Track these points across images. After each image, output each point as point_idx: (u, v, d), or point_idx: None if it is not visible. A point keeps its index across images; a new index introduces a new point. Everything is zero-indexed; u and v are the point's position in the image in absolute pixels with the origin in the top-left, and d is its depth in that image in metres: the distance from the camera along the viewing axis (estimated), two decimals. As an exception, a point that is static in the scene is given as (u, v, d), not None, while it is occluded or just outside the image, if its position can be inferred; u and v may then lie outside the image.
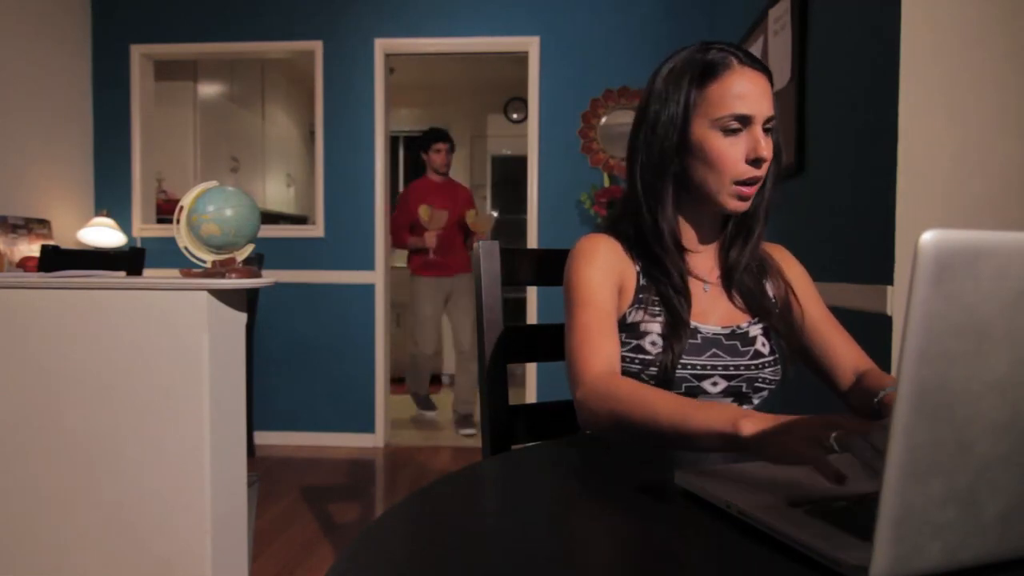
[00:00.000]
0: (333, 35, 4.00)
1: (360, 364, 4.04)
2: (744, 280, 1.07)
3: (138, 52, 4.05)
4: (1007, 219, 1.48)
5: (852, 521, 0.54)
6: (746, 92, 0.95)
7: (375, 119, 4.02)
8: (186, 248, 1.79)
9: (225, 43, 4.04)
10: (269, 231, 3.90)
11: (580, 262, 1.02)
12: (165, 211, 4.36)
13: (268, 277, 1.83)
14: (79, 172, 4.01)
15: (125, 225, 4.03)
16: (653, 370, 0.98)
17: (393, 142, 6.58)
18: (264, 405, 4.01)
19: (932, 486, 0.44)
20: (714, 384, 1.00)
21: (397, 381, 4.90)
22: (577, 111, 3.90)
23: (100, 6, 4.05)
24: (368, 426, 4.05)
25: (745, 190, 0.98)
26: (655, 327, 1.00)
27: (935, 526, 0.44)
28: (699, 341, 1.00)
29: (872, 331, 1.57)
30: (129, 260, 2.25)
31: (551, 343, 1.24)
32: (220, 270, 1.76)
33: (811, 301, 1.10)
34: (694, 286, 1.05)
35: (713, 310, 1.05)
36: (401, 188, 6.19)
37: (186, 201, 1.75)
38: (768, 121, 0.97)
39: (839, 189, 1.89)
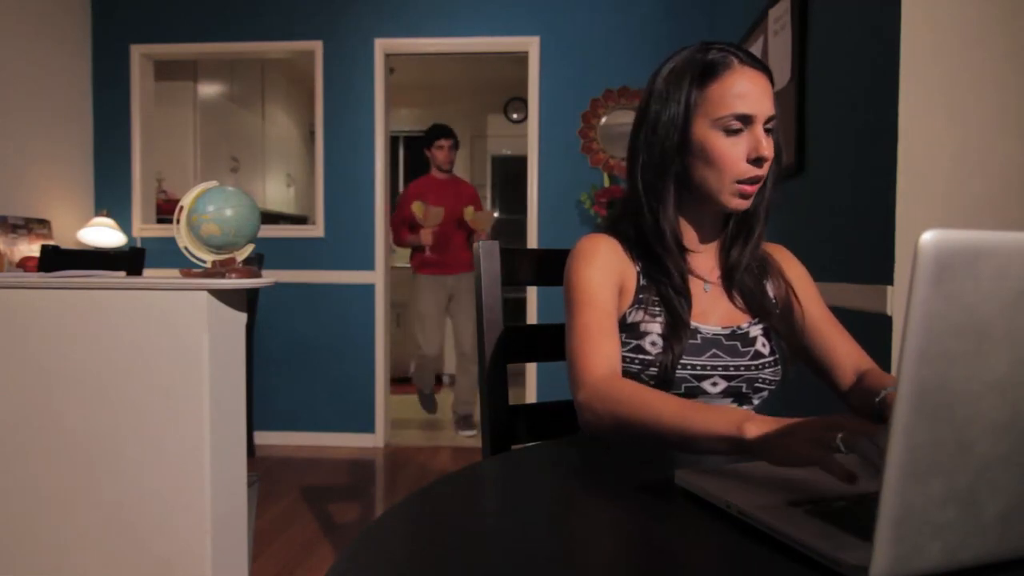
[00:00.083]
0: (333, 35, 4.00)
1: (360, 364, 4.05)
2: (745, 280, 1.07)
3: (138, 52, 4.06)
4: (1007, 219, 1.48)
5: (852, 521, 0.54)
6: (747, 91, 0.95)
7: (375, 119, 4.02)
8: (186, 248, 1.79)
9: (225, 43, 4.04)
10: (269, 231, 3.90)
11: (580, 262, 1.02)
12: (165, 211, 4.36)
13: (268, 277, 1.83)
14: (79, 172, 4.01)
15: (125, 225, 4.03)
16: (653, 370, 0.98)
17: (393, 142, 6.58)
18: (264, 405, 4.01)
19: (932, 486, 0.44)
20: (714, 384, 1.00)
21: (397, 381, 4.90)
22: (577, 111, 3.90)
23: (100, 6, 4.05)
24: (368, 426, 4.05)
25: (747, 188, 0.98)
26: (655, 327, 1.00)
27: (935, 526, 0.44)
28: (699, 341, 1.00)
29: (872, 331, 1.57)
30: (129, 260, 2.25)
31: (551, 343, 1.24)
32: (220, 270, 1.76)
33: (812, 301, 1.10)
34: (694, 286, 1.05)
35: (713, 310, 1.05)
36: (401, 188, 6.19)
37: (186, 201, 1.75)
38: (769, 120, 0.97)
39: (839, 189, 1.89)
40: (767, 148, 0.96)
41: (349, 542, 1.20)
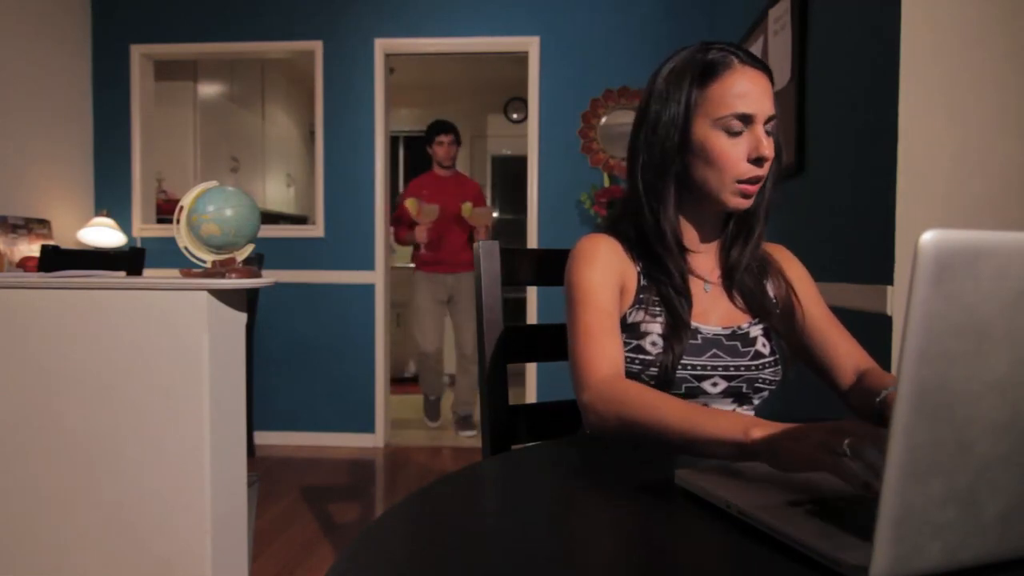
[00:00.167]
0: (333, 35, 4.00)
1: (360, 364, 4.04)
2: (745, 280, 1.07)
3: (138, 52, 4.06)
4: (1007, 219, 1.48)
5: (852, 521, 0.54)
6: (747, 91, 0.95)
7: (375, 119, 4.02)
8: (186, 248, 1.79)
9: (225, 43, 4.04)
10: (269, 231, 3.90)
11: (581, 263, 1.02)
12: (165, 211, 4.36)
13: (268, 277, 1.83)
14: (79, 172, 4.01)
15: (125, 225, 4.03)
16: (653, 370, 0.98)
17: (393, 142, 6.58)
18: (264, 405, 4.01)
19: (932, 486, 0.44)
20: (714, 384, 1.00)
21: (397, 381, 4.89)
22: (577, 111, 3.90)
23: (100, 6, 4.05)
24: (368, 426, 4.05)
25: (748, 188, 0.98)
26: (655, 327, 1.00)
27: (935, 526, 0.44)
28: (699, 341, 1.00)
29: (872, 331, 1.57)
30: (129, 260, 2.25)
31: (551, 343, 1.24)
32: (220, 270, 1.76)
33: (812, 301, 1.10)
34: (695, 286, 1.05)
35: (714, 310, 1.05)
36: (401, 188, 6.19)
37: (186, 201, 1.75)
38: (769, 120, 0.97)
39: (839, 189, 1.89)
40: (767, 148, 0.96)
41: (349, 542, 1.20)
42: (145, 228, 4.09)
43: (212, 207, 1.72)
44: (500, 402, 1.17)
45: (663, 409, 0.80)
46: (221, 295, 1.76)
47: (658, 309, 1.01)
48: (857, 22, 1.78)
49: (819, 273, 1.30)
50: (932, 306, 0.41)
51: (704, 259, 1.08)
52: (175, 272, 1.85)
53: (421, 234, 4.09)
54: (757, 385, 1.02)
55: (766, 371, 1.02)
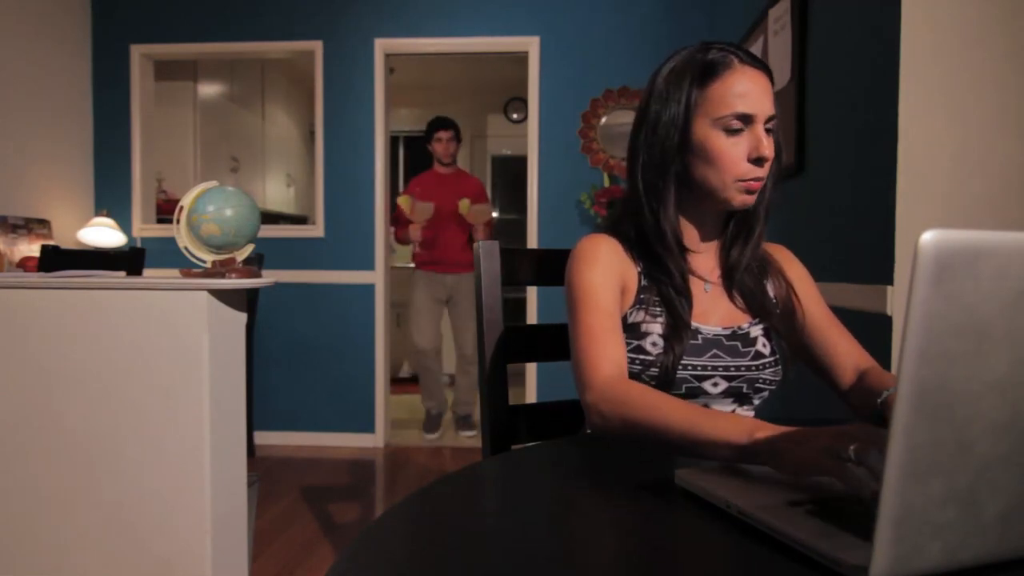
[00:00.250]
0: (333, 35, 4.00)
1: (360, 364, 4.05)
2: (745, 280, 1.07)
3: (138, 52, 4.06)
4: (1007, 219, 1.48)
5: (852, 521, 0.54)
6: (747, 91, 0.95)
7: (375, 119, 4.03)
8: (186, 248, 1.79)
9: (225, 43, 4.04)
10: (269, 231, 3.90)
11: (582, 264, 1.02)
12: (165, 211, 4.36)
13: (268, 277, 1.83)
14: (79, 172, 4.01)
15: (125, 225, 4.03)
16: (654, 371, 0.98)
17: (393, 142, 6.59)
18: (264, 405, 4.01)
19: (932, 486, 0.44)
20: (715, 385, 1.00)
21: (397, 381, 4.89)
22: (577, 111, 3.90)
23: (100, 6, 4.06)
24: (368, 426, 4.05)
25: (751, 184, 0.98)
26: (656, 328, 1.00)
27: (935, 526, 0.44)
28: (700, 342, 1.00)
29: (872, 331, 1.57)
30: (129, 260, 2.25)
31: (551, 343, 1.24)
32: (220, 270, 1.76)
33: (812, 300, 1.10)
34: (695, 286, 1.05)
35: (714, 310, 1.05)
36: (401, 188, 6.18)
37: (186, 201, 1.75)
38: (769, 120, 0.98)
39: (839, 189, 1.89)
40: (768, 148, 0.96)
41: (349, 542, 1.20)
42: (145, 228, 4.10)
43: (212, 207, 1.72)
44: (500, 402, 1.17)
45: (666, 410, 0.80)
46: (221, 295, 1.76)
47: (658, 309, 1.01)
48: (857, 22, 1.78)
49: (819, 273, 1.30)
50: (932, 306, 0.41)
51: (704, 259, 1.08)
52: (175, 272, 1.85)
53: (415, 232, 4.03)
54: (757, 385, 1.02)
55: (766, 371, 1.02)
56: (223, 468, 1.78)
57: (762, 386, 1.03)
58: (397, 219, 4.17)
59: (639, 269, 1.05)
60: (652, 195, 1.03)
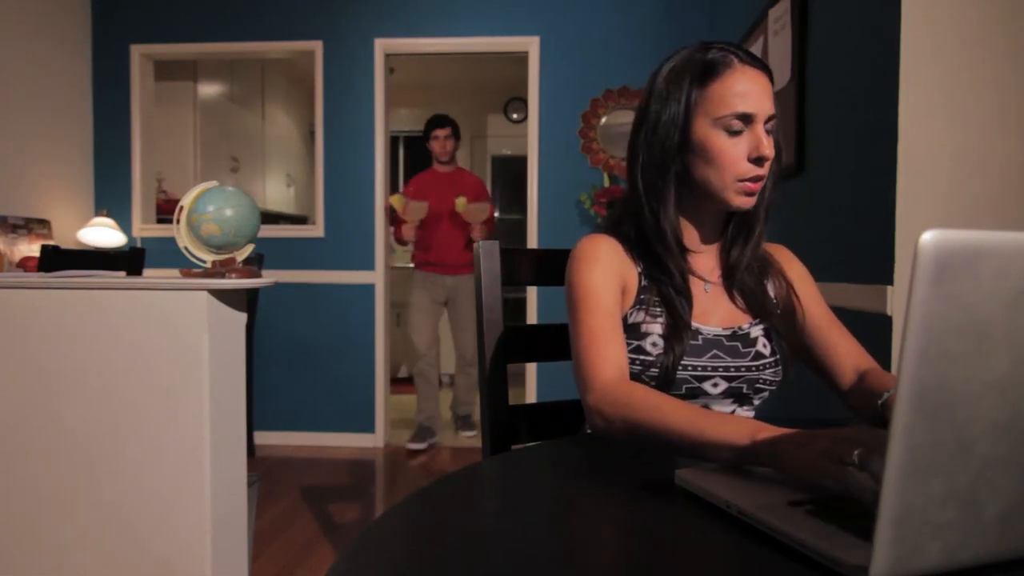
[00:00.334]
0: (333, 35, 4.00)
1: (360, 364, 4.04)
2: (745, 280, 1.07)
3: (138, 52, 4.06)
4: (1007, 219, 1.48)
5: (852, 521, 0.54)
6: (748, 91, 0.95)
7: (375, 119, 4.03)
8: (186, 248, 1.79)
9: (225, 43, 4.04)
10: (269, 231, 3.90)
11: (582, 264, 1.02)
12: (165, 211, 4.36)
13: (268, 277, 1.83)
14: (79, 172, 4.01)
15: (125, 225, 4.03)
16: (654, 371, 0.98)
17: (393, 142, 6.59)
18: (264, 405, 4.01)
19: (932, 486, 0.44)
20: (715, 385, 1.00)
21: (397, 381, 4.88)
22: (577, 111, 3.90)
23: (100, 6, 4.06)
24: (368, 426, 4.05)
25: (751, 186, 0.98)
26: (656, 328, 1.00)
27: (935, 526, 0.44)
28: (700, 342, 1.00)
29: (872, 331, 1.56)
30: (129, 260, 2.25)
31: (551, 343, 1.24)
32: (220, 270, 1.76)
33: (812, 301, 1.10)
34: (695, 286, 1.05)
35: (714, 310, 1.05)
36: (401, 188, 6.18)
37: (186, 201, 1.75)
38: (769, 120, 0.97)
39: (839, 189, 1.89)
40: (768, 147, 0.96)
41: (349, 542, 1.20)
42: (145, 228, 4.10)
43: (212, 207, 1.72)
44: (500, 402, 1.17)
45: (668, 412, 0.80)
46: (221, 295, 1.76)
47: (659, 310, 1.01)
48: (857, 22, 1.78)
49: (819, 273, 1.30)
50: (932, 306, 0.41)
51: (705, 259, 1.08)
52: (175, 272, 1.85)
53: (408, 232, 3.94)
54: (758, 386, 1.02)
55: (767, 372, 1.02)
56: (223, 468, 1.78)
57: (762, 387, 1.03)
58: (395, 219, 4.12)
59: (639, 269, 1.04)
60: (652, 195, 1.03)
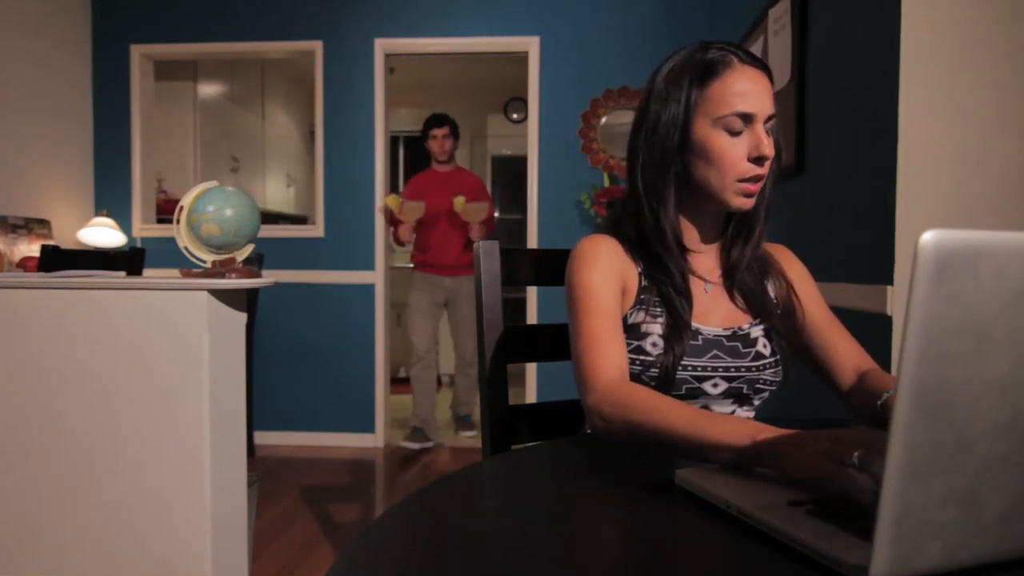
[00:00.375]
0: (333, 35, 4.00)
1: (360, 364, 4.04)
2: (746, 280, 1.07)
3: (138, 52, 4.06)
4: (1007, 219, 1.48)
5: (852, 521, 0.54)
6: (747, 90, 0.95)
7: (375, 119, 4.03)
8: (186, 248, 1.79)
9: (225, 43, 4.04)
10: (269, 231, 3.90)
11: (582, 265, 1.02)
12: (165, 211, 4.36)
13: (268, 277, 1.83)
14: (79, 172, 4.01)
15: (125, 225, 4.03)
16: (654, 371, 0.98)
17: (393, 142, 6.59)
18: (264, 405, 4.01)
19: (932, 486, 0.44)
20: (715, 385, 1.00)
21: (397, 381, 4.88)
22: (577, 111, 3.90)
23: (100, 6, 4.06)
24: (368, 426, 4.05)
25: (750, 187, 0.98)
26: (656, 328, 1.00)
27: (935, 526, 0.44)
28: (700, 342, 1.00)
29: (872, 331, 1.57)
30: (129, 260, 2.25)
31: (551, 343, 1.24)
32: (220, 270, 1.76)
33: (812, 301, 1.10)
34: (695, 286, 1.05)
35: (714, 310, 1.05)
36: (401, 188, 6.18)
37: (186, 201, 1.75)
38: (769, 119, 0.97)
39: (839, 189, 1.89)
40: (768, 147, 0.96)
41: (349, 542, 1.20)
42: (145, 228, 4.10)
43: (212, 207, 1.72)
44: (500, 402, 1.17)
45: (668, 413, 0.80)
46: (221, 295, 1.76)
47: (659, 310, 1.01)
48: (857, 22, 1.78)
49: (819, 273, 1.30)
50: (932, 306, 0.41)
51: (705, 259, 1.08)
52: (175, 272, 1.85)
53: (404, 233, 3.87)
54: (758, 386, 1.02)
55: (767, 372, 1.02)
56: (223, 468, 1.78)
57: (762, 387, 1.03)
58: (393, 219, 4.07)
59: (639, 269, 1.04)
60: (652, 195, 1.02)
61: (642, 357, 0.99)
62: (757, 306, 1.06)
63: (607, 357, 0.94)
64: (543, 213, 4.00)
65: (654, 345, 0.99)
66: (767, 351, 1.03)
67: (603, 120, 3.88)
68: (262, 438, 4.01)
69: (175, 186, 4.76)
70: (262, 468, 3.57)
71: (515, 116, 6.84)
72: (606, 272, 1.01)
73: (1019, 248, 0.42)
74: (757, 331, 1.04)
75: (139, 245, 3.97)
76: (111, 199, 4.07)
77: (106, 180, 4.10)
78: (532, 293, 4.04)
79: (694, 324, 1.01)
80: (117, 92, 4.07)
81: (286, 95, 6.23)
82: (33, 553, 1.77)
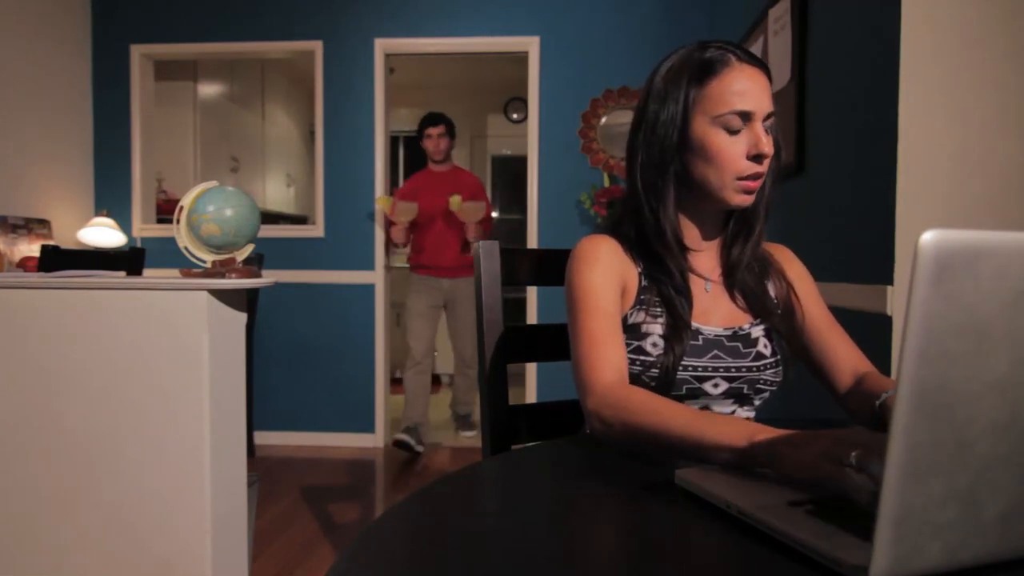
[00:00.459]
0: (333, 35, 4.00)
1: (360, 364, 4.04)
2: (746, 280, 1.07)
3: (138, 52, 4.06)
4: (1007, 219, 1.48)
5: (852, 521, 0.54)
6: (746, 89, 0.95)
7: (375, 119, 4.03)
8: (186, 248, 1.79)
9: (225, 43, 4.04)
10: (269, 231, 3.90)
11: (582, 265, 1.02)
12: (165, 211, 4.36)
13: (268, 277, 1.82)
14: (79, 172, 4.01)
15: (125, 225, 4.03)
16: (654, 372, 0.98)
17: (393, 142, 6.58)
18: (264, 405, 4.01)
19: (932, 486, 0.44)
20: (715, 386, 1.00)
21: (397, 381, 4.87)
22: (577, 111, 3.90)
23: (100, 6, 4.06)
24: (368, 426, 4.05)
25: (749, 184, 0.98)
26: (656, 328, 1.00)
27: (935, 526, 0.44)
28: (700, 343, 1.00)
29: (872, 331, 1.56)
30: (129, 260, 2.25)
31: (551, 343, 1.24)
32: (220, 270, 1.76)
33: (812, 301, 1.10)
34: (696, 285, 1.05)
35: (715, 310, 1.05)
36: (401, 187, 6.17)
37: (186, 201, 1.75)
38: (768, 117, 0.97)
39: (839, 189, 1.89)
40: (767, 145, 0.96)
41: (349, 542, 1.20)
42: (145, 228, 4.10)
43: (212, 207, 1.72)
44: (500, 402, 1.17)
45: (667, 415, 0.80)
46: (221, 295, 1.76)
47: (659, 310, 1.01)
48: (857, 22, 1.78)
49: (819, 273, 1.30)
50: (932, 306, 0.41)
51: (705, 258, 1.08)
52: (175, 272, 1.85)
53: (398, 234, 3.83)
54: (758, 386, 1.02)
55: (767, 372, 1.02)
56: (223, 468, 1.78)
57: (763, 387, 1.03)
58: (388, 220, 3.99)
59: (639, 269, 1.04)
60: (651, 194, 1.02)
61: (642, 357, 0.99)
62: (757, 306, 1.06)
63: (606, 359, 0.93)
64: (543, 213, 4.00)
65: (654, 345, 0.99)
66: (768, 351, 1.03)
67: (603, 120, 3.88)
68: (262, 438, 4.01)
69: (175, 186, 4.76)
70: (262, 468, 3.57)
71: (515, 116, 6.84)
72: (606, 272, 1.01)
73: (1019, 248, 0.42)
74: (758, 331, 1.04)
75: (139, 245, 3.97)
76: (111, 199, 4.07)
77: (106, 180, 4.10)
78: (532, 293, 4.04)
79: (694, 324, 1.01)
80: (117, 92, 4.07)
81: (286, 95, 6.23)
82: (33, 553, 1.77)
